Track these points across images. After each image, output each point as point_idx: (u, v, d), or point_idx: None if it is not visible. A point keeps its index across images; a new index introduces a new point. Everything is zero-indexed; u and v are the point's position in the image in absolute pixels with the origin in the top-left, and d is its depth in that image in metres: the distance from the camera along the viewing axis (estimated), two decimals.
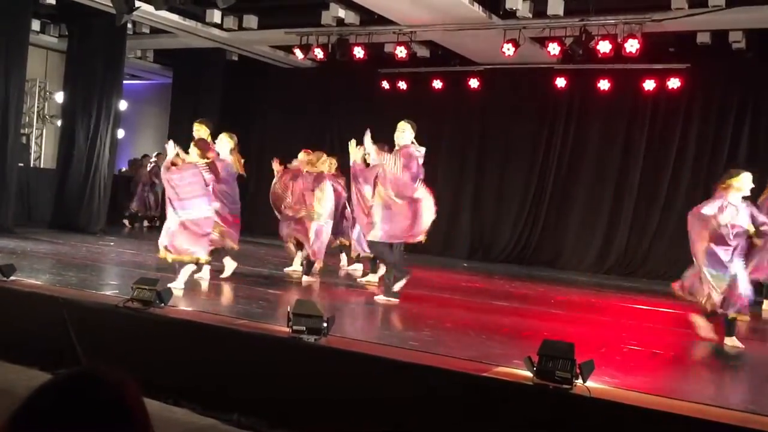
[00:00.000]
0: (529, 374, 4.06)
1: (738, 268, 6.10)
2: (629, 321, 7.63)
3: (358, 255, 9.21)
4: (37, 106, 14.96)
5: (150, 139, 17.40)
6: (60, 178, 12.91)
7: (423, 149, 7.25)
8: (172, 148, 7.09)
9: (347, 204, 9.03)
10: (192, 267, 7.13)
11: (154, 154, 14.64)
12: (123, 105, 14.02)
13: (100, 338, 5.36)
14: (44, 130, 15.26)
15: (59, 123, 14.01)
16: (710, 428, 3.61)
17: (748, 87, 11.38)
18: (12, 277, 6.31)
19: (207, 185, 6.99)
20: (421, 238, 7.30)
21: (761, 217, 6.22)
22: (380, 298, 7.21)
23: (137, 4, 8.82)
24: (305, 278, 8.37)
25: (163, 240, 6.98)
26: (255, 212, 12.02)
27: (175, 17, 11.75)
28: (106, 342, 5.31)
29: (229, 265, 8.07)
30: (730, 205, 6.05)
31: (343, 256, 9.92)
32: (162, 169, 7.26)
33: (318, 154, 8.79)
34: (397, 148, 7.19)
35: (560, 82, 12.27)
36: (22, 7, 11.55)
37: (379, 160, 7.19)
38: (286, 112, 14.67)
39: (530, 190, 12.97)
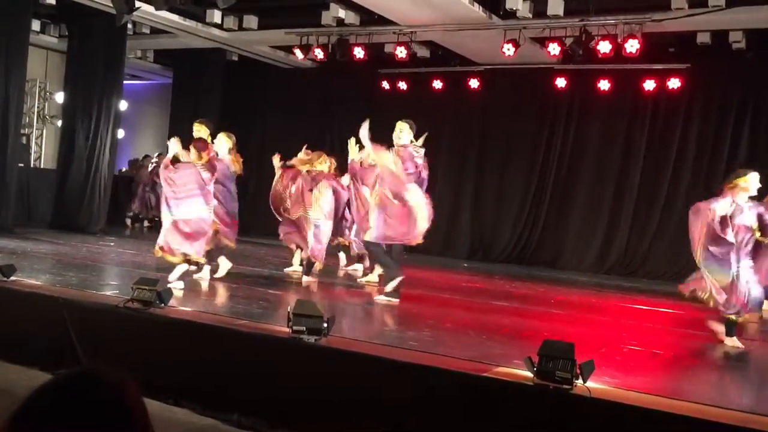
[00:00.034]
0: (529, 374, 4.06)
1: (744, 268, 6.07)
2: (629, 321, 7.63)
3: (359, 255, 9.23)
4: (38, 107, 14.97)
5: (150, 139, 17.41)
6: (60, 179, 12.91)
7: (422, 150, 7.25)
8: (173, 144, 7.13)
9: (348, 205, 9.02)
10: (185, 266, 7.15)
11: (156, 155, 14.64)
12: (123, 105, 14.03)
13: (101, 338, 5.36)
14: (44, 131, 15.27)
15: (59, 123, 14.02)
16: (710, 428, 3.61)
17: (748, 87, 11.38)
18: (12, 278, 6.31)
19: (206, 185, 7.00)
20: (419, 240, 7.28)
21: None
22: (380, 298, 7.20)
23: (137, 4, 8.82)
24: (305, 278, 8.37)
25: (159, 239, 7.05)
26: (255, 212, 12.01)
27: (175, 17, 11.75)
28: (106, 342, 5.31)
29: (224, 264, 8.05)
30: (737, 205, 6.05)
31: (342, 256, 9.92)
32: (161, 167, 7.28)
33: (317, 153, 8.78)
34: (395, 147, 7.19)
35: (560, 82, 12.27)
36: (22, 7, 11.56)
37: (375, 154, 7.18)
38: (286, 112, 14.67)
39: (530, 190, 12.98)
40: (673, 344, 6.47)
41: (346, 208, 9.04)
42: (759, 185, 6.22)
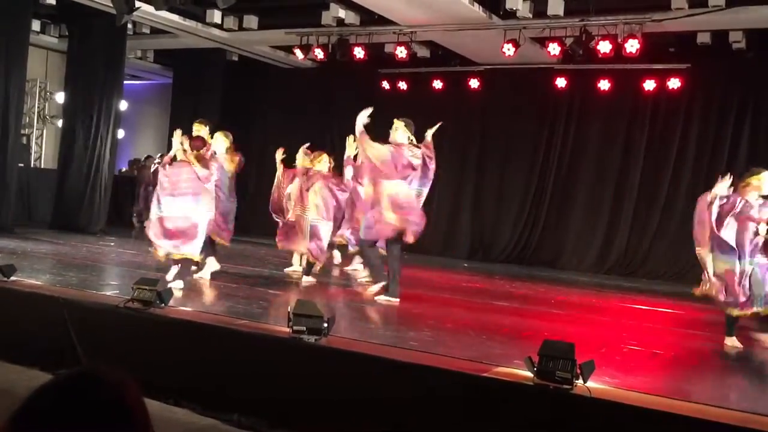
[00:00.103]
0: (529, 374, 4.06)
1: (755, 265, 6.04)
2: (629, 321, 7.63)
3: (354, 253, 9.28)
4: (38, 107, 14.97)
5: (150, 139, 17.41)
6: (60, 179, 12.91)
7: (419, 151, 7.21)
8: (176, 137, 7.17)
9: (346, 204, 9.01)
10: (177, 267, 7.18)
11: (158, 155, 14.64)
12: (123, 105, 14.02)
13: (101, 338, 5.36)
14: (44, 131, 15.27)
15: (59, 123, 14.02)
16: (710, 428, 3.61)
17: (748, 87, 11.38)
18: (12, 278, 6.31)
19: (203, 183, 7.00)
20: (387, 233, 7.28)
21: None
22: (381, 298, 7.20)
23: (137, 4, 8.82)
24: (305, 278, 8.37)
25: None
26: (255, 212, 12.02)
27: (175, 17, 11.75)
28: (106, 342, 5.31)
29: (211, 265, 7.95)
30: (746, 202, 6.04)
31: (337, 255, 9.95)
32: (163, 163, 7.33)
33: (317, 153, 8.79)
34: (391, 146, 7.23)
35: (560, 82, 12.27)
36: (22, 8, 11.56)
37: (359, 139, 7.23)
38: (286, 112, 14.67)
39: (530, 190, 12.98)
40: (673, 344, 6.47)
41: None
42: None
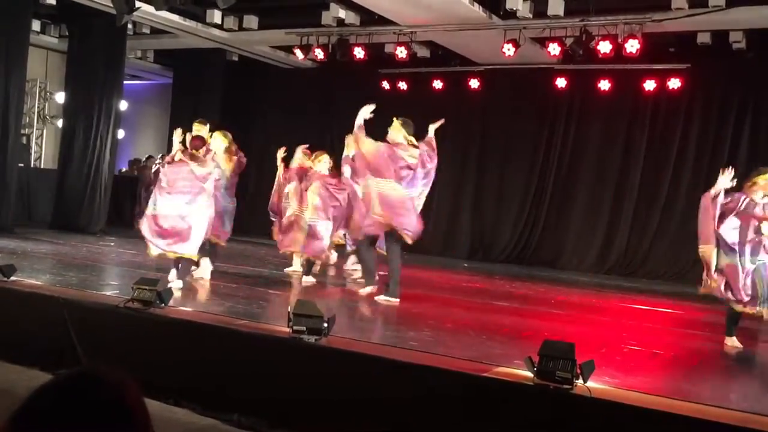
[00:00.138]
0: (529, 374, 4.06)
1: (760, 264, 6.02)
2: (629, 321, 7.63)
3: (350, 252, 9.29)
4: (38, 107, 14.97)
5: (150, 139, 17.41)
6: (60, 179, 12.92)
7: (416, 150, 7.18)
8: (179, 135, 7.23)
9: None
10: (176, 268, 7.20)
11: (159, 156, 14.64)
12: (123, 105, 14.02)
13: (101, 338, 5.36)
14: (44, 131, 15.27)
15: (59, 123, 14.02)
16: (710, 428, 3.61)
17: (748, 87, 11.38)
18: (12, 278, 6.31)
19: (201, 182, 7.01)
20: (371, 230, 7.33)
21: None
22: (381, 298, 7.21)
23: (137, 4, 8.82)
24: (305, 278, 8.37)
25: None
26: (255, 212, 12.01)
27: (175, 17, 11.75)
28: (106, 342, 5.31)
29: (205, 266, 7.90)
30: (750, 200, 6.04)
31: (334, 254, 9.95)
32: (164, 162, 7.37)
33: (318, 152, 8.81)
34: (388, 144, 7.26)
35: (560, 82, 12.27)
36: (22, 8, 11.56)
37: (354, 135, 7.24)
38: (286, 112, 14.67)
39: (530, 191, 12.98)
40: (673, 344, 6.47)
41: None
42: None
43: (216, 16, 12.02)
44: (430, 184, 7.53)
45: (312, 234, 8.29)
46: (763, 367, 6.33)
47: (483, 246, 13.29)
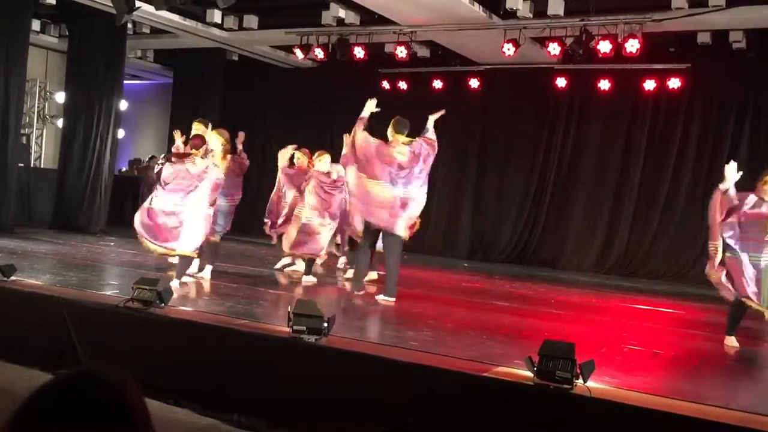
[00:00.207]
0: (529, 374, 4.06)
1: (765, 264, 6.01)
2: (630, 321, 7.63)
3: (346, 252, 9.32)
4: (38, 106, 14.96)
5: (150, 139, 17.41)
6: (60, 178, 12.91)
7: (406, 148, 7.14)
8: (179, 136, 7.26)
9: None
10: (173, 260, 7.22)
11: (161, 156, 14.63)
12: (123, 105, 14.02)
13: (101, 338, 5.36)
14: (44, 131, 15.26)
15: (60, 123, 14.02)
16: (710, 428, 3.61)
17: (748, 87, 11.38)
18: (12, 278, 6.31)
19: (197, 181, 7.02)
20: (357, 229, 7.42)
21: None
22: (380, 298, 7.21)
23: (137, 4, 8.82)
24: (305, 278, 8.38)
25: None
26: (254, 212, 12.00)
27: (175, 17, 11.75)
28: (106, 342, 5.31)
29: (205, 269, 7.91)
30: (758, 199, 6.04)
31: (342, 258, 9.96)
32: (166, 158, 7.43)
33: (319, 152, 8.82)
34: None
35: (561, 82, 12.27)
36: (22, 7, 11.56)
37: (356, 128, 7.28)
38: (286, 112, 14.68)
39: (531, 190, 12.98)
40: (673, 344, 6.47)
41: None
42: None
43: (216, 15, 12.02)
44: (425, 177, 7.41)
45: (309, 233, 8.30)
46: (763, 367, 6.33)
47: (483, 246, 13.29)
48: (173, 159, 7.21)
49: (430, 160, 7.25)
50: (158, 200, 7.04)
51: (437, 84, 13.23)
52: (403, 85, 13.49)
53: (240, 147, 8.79)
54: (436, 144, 7.28)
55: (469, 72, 12.99)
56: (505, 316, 7.08)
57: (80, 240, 11.10)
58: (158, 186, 7.21)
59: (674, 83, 11.50)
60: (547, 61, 11.50)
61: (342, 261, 9.54)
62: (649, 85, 11.67)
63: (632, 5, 9.84)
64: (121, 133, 14.02)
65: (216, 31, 12.54)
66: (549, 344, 4.11)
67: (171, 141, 7.40)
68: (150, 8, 9.58)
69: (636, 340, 6.23)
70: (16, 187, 11.93)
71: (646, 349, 5.97)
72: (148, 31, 13.32)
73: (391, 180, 7.06)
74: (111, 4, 9.05)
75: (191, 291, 7.05)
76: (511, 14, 10.14)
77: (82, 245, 10.49)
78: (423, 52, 12.57)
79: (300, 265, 8.95)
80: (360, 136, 7.20)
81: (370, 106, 7.32)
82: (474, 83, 12.92)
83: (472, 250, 13.29)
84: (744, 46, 10.49)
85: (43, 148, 15.26)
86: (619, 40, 9.80)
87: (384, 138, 7.27)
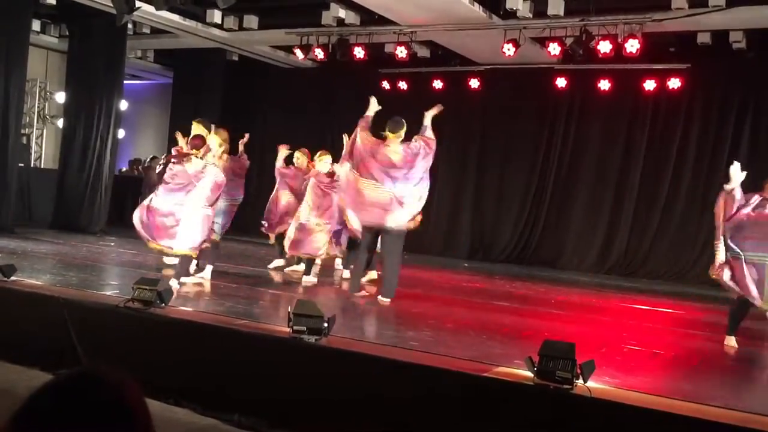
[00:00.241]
0: (529, 374, 4.06)
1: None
2: (630, 321, 7.63)
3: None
4: (38, 106, 14.96)
5: (150, 139, 17.41)
6: (60, 178, 12.91)
7: (399, 146, 7.08)
8: (181, 138, 7.36)
9: None
10: (172, 259, 7.23)
11: (163, 156, 14.62)
12: (123, 105, 14.02)
13: (101, 338, 5.36)
14: (45, 131, 15.27)
15: (60, 123, 14.02)
16: (710, 428, 3.61)
17: (748, 87, 11.38)
18: (13, 278, 6.31)
19: (194, 180, 7.04)
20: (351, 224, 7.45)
21: None
22: (380, 298, 7.20)
23: (138, 4, 8.82)
24: (306, 278, 8.38)
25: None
26: (254, 212, 12.00)
27: (175, 17, 11.75)
28: (106, 342, 5.31)
29: (205, 269, 7.92)
30: (764, 200, 6.04)
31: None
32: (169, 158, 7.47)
33: (321, 152, 8.82)
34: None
35: (561, 82, 12.27)
36: (22, 8, 11.56)
37: (361, 127, 7.31)
38: (286, 112, 14.68)
39: (531, 190, 12.98)
40: (674, 344, 6.47)
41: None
42: None
43: (216, 15, 12.02)
44: (422, 173, 7.36)
45: (306, 232, 8.31)
46: (763, 367, 6.33)
47: (483, 246, 13.29)
48: (173, 160, 7.22)
49: (430, 159, 7.22)
50: (158, 200, 7.07)
51: (437, 84, 13.23)
52: (403, 85, 13.49)
53: (242, 148, 8.80)
54: (434, 143, 7.23)
55: (469, 72, 12.99)
56: (505, 316, 7.08)
57: (80, 240, 11.10)
58: (160, 186, 7.23)
59: (674, 83, 11.50)
60: (547, 61, 11.50)
61: (339, 262, 9.53)
62: (649, 85, 11.67)
63: (632, 5, 9.84)
64: (121, 133, 14.02)
65: (216, 31, 12.54)
66: (549, 344, 4.11)
67: (171, 141, 7.40)
68: (150, 8, 9.59)
69: (636, 340, 6.23)
70: (16, 187, 11.93)
71: (646, 349, 5.97)
72: (148, 31, 13.32)
73: (384, 179, 7.03)
74: (111, 5, 9.05)
75: (191, 291, 7.05)
76: (511, 14, 10.14)
77: (82, 245, 10.49)
78: (423, 52, 12.57)
79: (300, 266, 8.95)
80: (361, 135, 7.21)
81: (374, 105, 7.33)
82: (474, 83, 12.92)
83: (473, 250, 13.29)
84: (744, 46, 10.49)
85: (43, 148, 15.26)
86: (619, 40, 9.80)
87: (382, 138, 7.27)
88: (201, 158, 7.13)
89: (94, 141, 12.67)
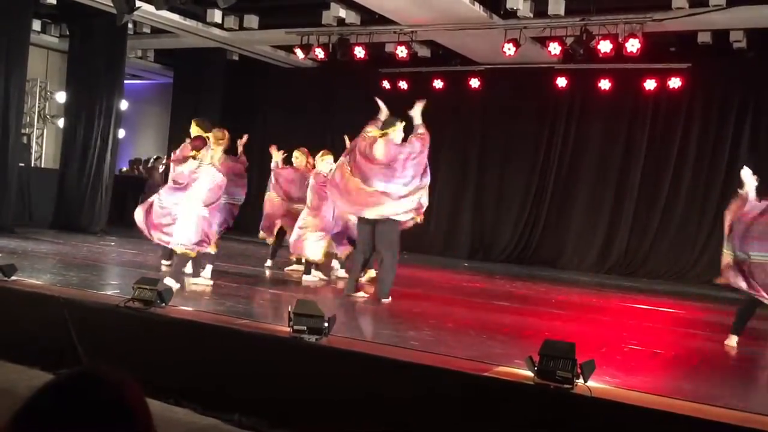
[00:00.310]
0: (530, 374, 4.06)
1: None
2: (630, 321, 7.63)
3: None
4: (38, 106, 14.97)
5: (151, 139, 17.41)
6: (61, 178, 12.92)
7: (382, 145, 7.05)
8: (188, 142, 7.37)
9: None
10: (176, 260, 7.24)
11: (165, 156, 14.63)
12: (124, 105, 14.02)
13: (101, 338, 5.36)
14: (45, 130, 15.27)
15: (60, 123, 14.02)
16: (710, 428, 3.61)
17: (749, 86, 11.39)
18: (13, 277, 6.31)
19: (192, 179, 7.05)
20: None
21: None
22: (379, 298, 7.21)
23: (138, 3, 8.82)
24: (305, 278, 8.38)
25: None
26: (254, 212, 12.00)
27: (175, 17, 11.76)
28: (107, 342, 5.31)
29: (205, 269, 7.91)
30: None
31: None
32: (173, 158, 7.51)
33: (323, 152, 8.82)
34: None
35: (561, 81, 12.27)
36: (22, 7, 11.56)
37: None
38: (286, 111, 14.68)
39: (531, 190, 12.98)
40: (674, 344, 6.47)
41: None
42: None
43: (216, 15, 12.03)
44: (413, 172, 7.31)
45: (304, 234, 8.32)
46: (763, 367, 6.33)
47: (483, 246, 13.29)
48: (173, 161, 7.25)
49: (425, 154, 7.17)
50: (161, 199, 7.09)
51: (438, 84, 13.23)
52: (403, 84, 13.49)
53: (241, 149, 8.80)
54: (427, 137, 7.12)
55: (470, 72, 12.99)
56: (505, 316, 7.08)
57: (81, 240, 11.10)
58: (165, 185, 7.28)
59: (675, 83, 11.50)
60: (547, 60, 11.50)
61: (336, 262, 9.52)
62: (650, 84, 11.67)
63: (633, 5, 9.84)
64: (121, 133, 14.02)
65: (216, 31, 12.54)
66: (549, 344, 4.11)
67: (171, 141, 7.41)
68: (150, 8, 9.59)
69: (636, 340, 6.23)
70: (16, 187, 11.93)
71: (646, 348, 5.97)
72: (148, 30, 13.33)
73: (370, 177, 6.98)
74: (111, 4, 9.05)
75: (191, 291, 7.05)
76: (512, 14, 10.14)
77: (82, 245, 10.49)
78: (423, 51, 12.57)
79: (300, 266, 8.96)
80: (364, 135, 7.20)
81: (384, 108, 7.30)
82: (474, 83, 12.92)
83: (473, 250, 13.29)
84: (744, 45, 10.49)
85: (43, 147, 15.26)
86: (620, 39, 9.80)
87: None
88: (194, 158, 7.13)
89: (95, 141, 12.68)
